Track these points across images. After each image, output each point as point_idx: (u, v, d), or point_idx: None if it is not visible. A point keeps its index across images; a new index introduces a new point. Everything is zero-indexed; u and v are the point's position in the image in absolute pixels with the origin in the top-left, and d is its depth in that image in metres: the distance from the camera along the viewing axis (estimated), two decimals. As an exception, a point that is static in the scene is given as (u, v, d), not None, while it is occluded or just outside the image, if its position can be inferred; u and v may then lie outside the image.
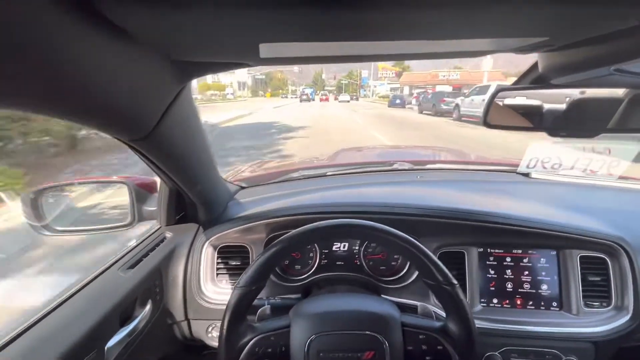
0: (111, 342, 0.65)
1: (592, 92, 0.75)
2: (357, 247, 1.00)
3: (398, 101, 24.82)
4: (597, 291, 0.89)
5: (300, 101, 39.78)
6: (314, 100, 48.84)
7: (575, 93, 0.76)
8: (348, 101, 41.48)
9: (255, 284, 0.62)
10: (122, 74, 0.40)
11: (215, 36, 0.40)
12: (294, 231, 0.65)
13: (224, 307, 0.63)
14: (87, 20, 0.31)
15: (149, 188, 0.97)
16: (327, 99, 43.74)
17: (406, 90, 43.31)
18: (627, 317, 0.85)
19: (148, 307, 0.80)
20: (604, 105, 0.76)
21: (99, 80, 0.37)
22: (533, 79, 0.64)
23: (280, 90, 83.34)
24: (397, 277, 0.97)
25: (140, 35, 0.36)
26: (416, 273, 0.94)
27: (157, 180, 0.92)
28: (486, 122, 0.74)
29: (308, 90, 53.96)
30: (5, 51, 0.26)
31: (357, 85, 70.55)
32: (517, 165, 1.39)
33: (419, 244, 0.63)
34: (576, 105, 0.74)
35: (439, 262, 0.63)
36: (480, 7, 0.32)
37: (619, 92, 0.74)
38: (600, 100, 0.77)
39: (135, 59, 0.41)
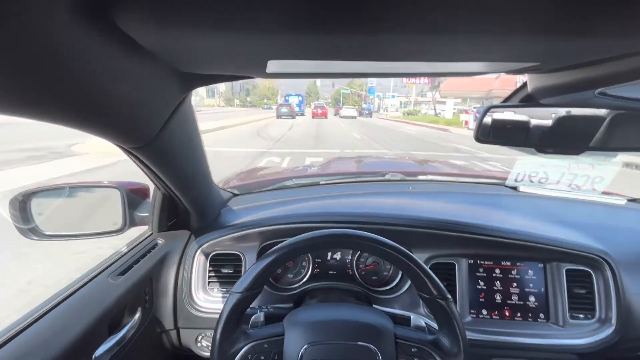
0: (99, 351, 0.64)
1: (578, 110, 0.78)
2: (349, 257, 1.01)
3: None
4: (582, 303, 0.91)
5: (278, 116, 24.43)
6: (302, 114, 31.89)
7: (561, 111, 0.79)
8: (354, 117, 29.04)
9: (251, 290, 0.62)
10: (127, 83, 0.40)
11: (223, 52, 0.41)
12: (291, 239, 0.65)
13: (215, 315, 0.62)
14: (98, 28, 0.31)
15: (142, 193, 0.96)
16: (324, 114, 28.06)
17: (450, 105, 28.86)
18: (611, 330, 0.87)
19: (137, 315, 0.78)
20: (590, 123, 0.80)
21: (105, 88, 0.38)
22: (522, 98, 0.67)
23: (267, 100, 67.06)
24: (388, 287, 0.98)
25: (150, 47, 0.37)
26: (407, 284, 0.95)
27: (150, 185, 0.92)
28: (477, 137, 0.77)
29: (294, 99, 33.54)
30: (10, 56, 0.26)
31: (363, 97, 55.36)
32: (506, 178, 1.43)
33: (415, 257, 0.64)
34: (562, 122, 0.78)
35: (434, 276, 0.64)
36: (478, 35, 0.34)
37: (603, 110, 0.78)
38: (586, 118, 0.81)
39: (141, 68, 0.41)
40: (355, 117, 29.37)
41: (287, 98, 33.83)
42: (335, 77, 0.56)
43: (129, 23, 0.31)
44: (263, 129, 15.22)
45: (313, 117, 27.50)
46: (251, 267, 0.64)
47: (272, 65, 0.44)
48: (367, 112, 34.77)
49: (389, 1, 0.28)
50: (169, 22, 0.31)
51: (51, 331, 0.58)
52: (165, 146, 0.60)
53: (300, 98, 36.25)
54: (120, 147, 0.55)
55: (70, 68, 0.31)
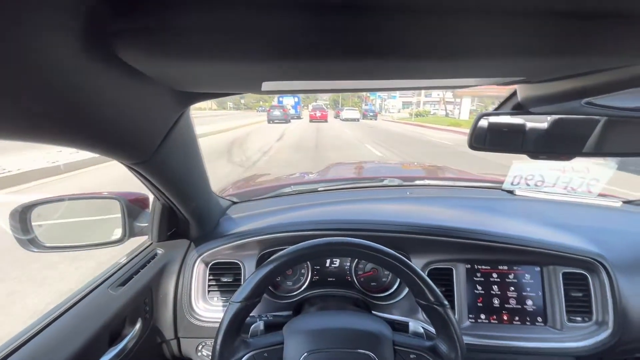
0: None
1: (573, 117, 0.80)
2: (348, 264, 1.02)
3: None
4: (580, 306, 0.92)
5: (269, 121, 21.30)
6: (299, 117, 29.61)
7: (555, 116, 0.80)
8: (357, 120, 26.33)
9: (250, 299, 0.63)
10: (126, 103, 0.42)
11: (219, 76, 0.42)
12: (290, 248, 0.66)
13: (215, 325, 0.63)
14: (100, 59, 0.32)
15: (141, 204, 0.97)
16: (323, 117, 24.18)
17: (466, 105, 25.19)
18: (608, 332, 0.88)
19: (138, 325, 0.79)
20: (585, 130, 0.81)
21: (105, 110, 0.39)
22: (513, 106, 0.68)
23: (262, 102, 60.56)
24: (387, 293, 0.98)
25: (148, 73, 0.38)
26: (406, 290, 0.96)
27: (150, 196, 0.93)
28: (471, 144, 0.78)
29: (289, 100, 29.75)
30: (16, 83, 0.27)
31: (364, 98, 52.10)
32: (502, 182, 1.44)
33: (412, 264, 0.65)
34: (557, 128, 0.79)
35: (431, 283, 0.65)
36: (467, 56, 0.36)
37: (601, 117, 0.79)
38: (581, 124, 0.82)
39: (140, 90, 0.43)
40: (359, 120, 26.69)
41: (280, 99, 28.75)
42: (329, 92, 0.58)
43: (129, 54, 0.32)
44: (244, 139, 11.56)
45: (311, 121, 24.06)
46: (250, 276, 0.65)
47: (267, 85, 0.45)
48: (371, 114, 30.71)
49: (378, 27, 0.30)
50: (166, 52, 0.32)
51: (53, 344, 0.59)
52: (164, 160, 0.61)
53: (296, 99, 31.44)
54: (121, 162, 0.56)
55: (70, 93, 0.33)
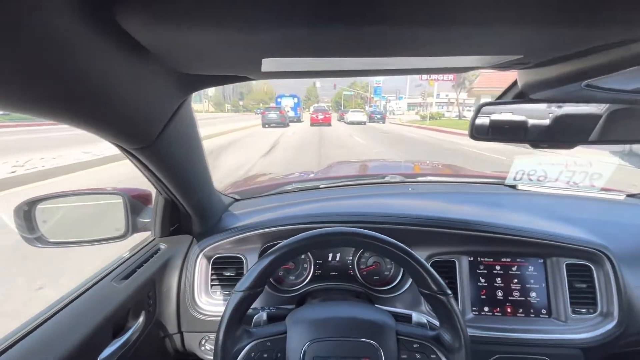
0: (104, 354, 0.65)
1: (573, 107, 0.80)
2: (350, 258, 1.02)
3: None
4: (584, 298, 0.91)
5: (264, 124, 18.93)
6: (299, 120, 27.41)
7: (555, 108, 0.81)
8: (364, 123, 24.25)
9: (253, 288, 0.63)
10: (130, 84, 0.42)
11: (217, 50, 0.42)
12: (292, 238, 0.66)
13: (218, 318, 0.63)
14: (100, 27, 0.33)
15: (144, 200, 0.98)
16: (326, 120, 21.61)
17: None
18: (613, 323, 0.87)
19: (141, 319, 0.79)
20: (584, 119, 0.81)
21: (107, 88, 0.39)
22: (514, 95, 0.68)
23: (262, 105, 58.74)
24: (390, 286, 0.98)
25: (152, 47, 0.39)
26: (409, 283, 0.96)
27: (152, 192, 0.93)
28: (472, 134, 0.78)
29: (287, 101, 27.46)
30: (14, 53, 0.27)
31: (368, 99, 49.33)
32: (505, 178, 1.44)
33: (415, 254, 0.65)
34: (558, 119, 0.79)
35: (434, 272, 0.64)
36: (463, 28, 0.35)
37: (599, 106, 0.80)
38: (581, 114, 0.82)
39: (144, 69, 0.43)
40: (365, 123, 24.49)
41: (278, 100, 26.10)
42: (328, 75, 0.57)
43: (128, 21, 0.32)
44: (222, 150, 8.64)
45: (312, 124, 21.34)
46: (253, 265, 0.65)
47: (267, 64, 0.45)
48: (379, 116, 28.38)
49: None
50: (164, 18, 0.32)
51: (56, 334, 0.59)
52: (166, 148, 0.62)
53: (295, 100, 28.50)
54: (120, 147, 0.56)
55: (73, 67, 0.33)
